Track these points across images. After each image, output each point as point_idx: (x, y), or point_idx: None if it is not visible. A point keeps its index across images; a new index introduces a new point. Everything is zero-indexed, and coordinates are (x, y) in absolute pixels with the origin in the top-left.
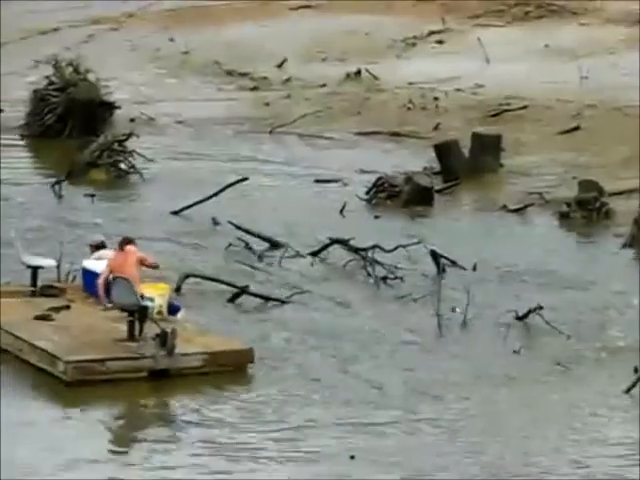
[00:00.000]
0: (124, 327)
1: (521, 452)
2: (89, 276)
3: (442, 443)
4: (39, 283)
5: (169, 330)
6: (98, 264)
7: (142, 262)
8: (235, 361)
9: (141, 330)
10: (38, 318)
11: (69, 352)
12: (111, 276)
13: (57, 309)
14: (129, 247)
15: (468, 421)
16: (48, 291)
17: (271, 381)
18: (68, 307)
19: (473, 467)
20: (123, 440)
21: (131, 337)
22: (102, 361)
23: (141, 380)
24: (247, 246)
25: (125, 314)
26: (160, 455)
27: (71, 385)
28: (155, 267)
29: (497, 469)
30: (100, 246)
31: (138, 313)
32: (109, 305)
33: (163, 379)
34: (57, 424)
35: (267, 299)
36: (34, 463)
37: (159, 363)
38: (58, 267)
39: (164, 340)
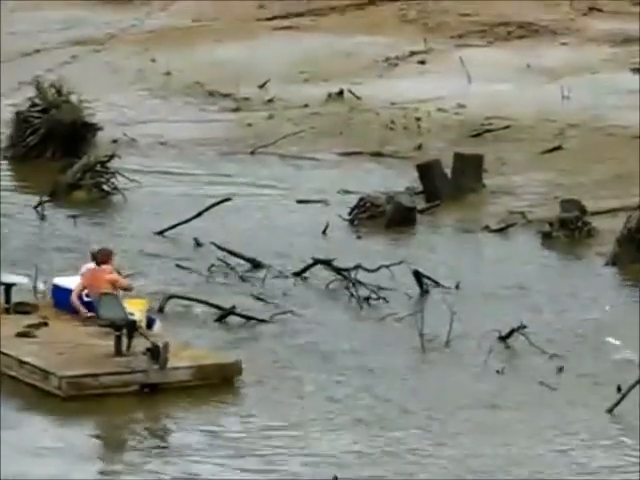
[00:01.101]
0: (107, 342)
1: (502, 472)
2: (60, 293)
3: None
4: (12, 300)
5: (161, 344)
6: (68, 280)
7: (114, 284)
8: (223, 374)
9: (129, 345)
10: (20, 335)
11: (61, 368)
12: (86, 291)
13: (36, 326)
14: (105, 266)
15: (450, 440)
16: (21, 308)
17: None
18: (46, 324)
19: None
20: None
21: (118, 352)
22: (96, 376)
23: (132, 395)
24: (230, 267)
25: (105, 329)
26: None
27: (66, 400)
28: (129, 289)
29: None
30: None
31: (127, 328)
32: (89, 314)
33: (154, 393)
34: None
35: (250, 319)
36: None
37: (150, 377)
38: (35, 286)
39: (156, 354)
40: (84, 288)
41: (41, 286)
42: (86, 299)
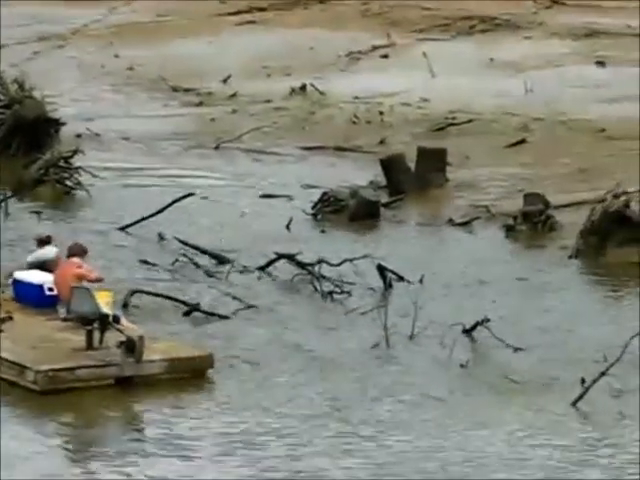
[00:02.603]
0: (77, 337)
1: (462, 465)
2: (20, 286)
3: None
4: None
5: (136, 337)
6: (29, 275)
7: (82, 278)
8: (196, 367)
9: (101, 338)
10: None
11: (36, 362)
12: (48, 286)
13: (1, 320)
14: (74, 259)
15: (412, 434)
16: None
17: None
18: (11, 318)
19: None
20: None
21: (89, 346)
22: (72, 369)
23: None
24: (193, 262)
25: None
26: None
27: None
28: (99, 280)
29: None
30: (46, 241)
31: (99, 321)
32: (65, 315)
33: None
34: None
35: (213, 315)
36: None
37: (125, 370)
38: None
39: (131, 347)
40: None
41: (6, 281)
42: (49, 293)
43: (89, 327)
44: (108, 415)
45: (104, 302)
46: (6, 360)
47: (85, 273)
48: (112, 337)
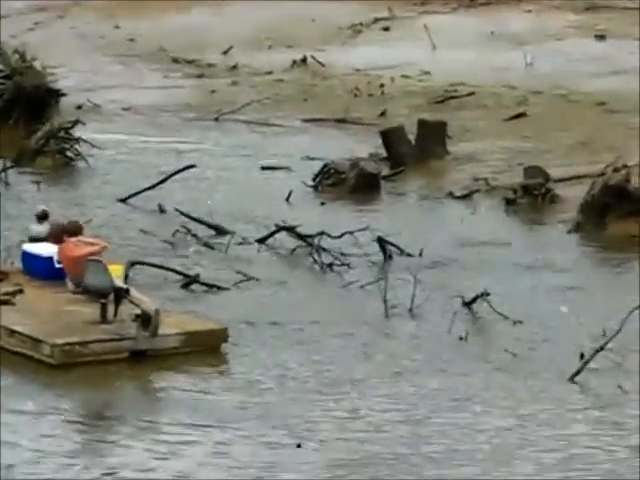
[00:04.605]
0: (89, 309)
1: (453, 443)
2: (29, 259)
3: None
4: None
5: (152, 311)
6: (38, 247)
7: (93, 255)
8: (210, 341)
9: (116, 311)
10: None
11: (51, 335)
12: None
13: (12, 293)
14: (73, 239)
15: (413, 409)
16: None
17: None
18: (22, 291)
19: (413, 457)
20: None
21: (103, 319)
22: (86, 343)
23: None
24: (193, 234)
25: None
26: None
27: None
28: (105, 248)
29: (436, 460)
30: (43, 216)
31: (114, 295)
32: (74, 288)
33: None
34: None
35: (213, 287)
36: None
37: (140, 344)
38: None
39: (146, 321)
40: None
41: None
42: (58, 265)
43: (103, 300)
44: (124, 388)
45: (116, 276)
46: (19, 333)
47: (94, 250)
48: (125, 310)
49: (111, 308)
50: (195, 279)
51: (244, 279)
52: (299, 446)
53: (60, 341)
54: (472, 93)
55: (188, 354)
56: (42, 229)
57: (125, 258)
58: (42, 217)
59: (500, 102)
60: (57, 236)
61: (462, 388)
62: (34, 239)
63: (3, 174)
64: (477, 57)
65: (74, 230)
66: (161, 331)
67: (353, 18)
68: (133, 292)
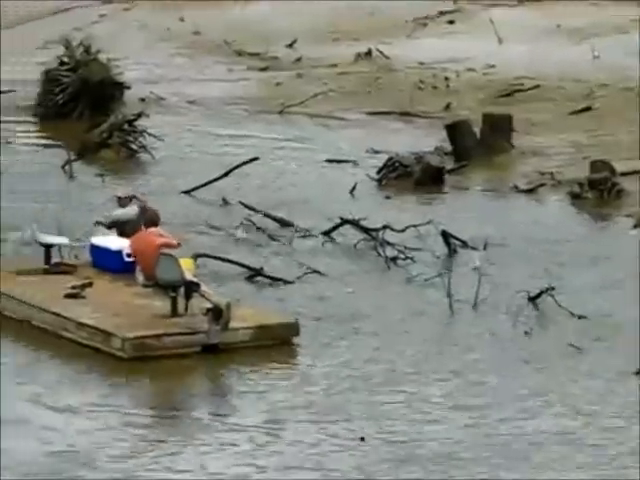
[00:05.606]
0: (159, 303)
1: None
2: (98, 252)
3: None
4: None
5: (224, 305)
6: (107, 240)
7: (167, 247)
8: (282, 334)
9: (187, 306)
10: (69, 296)
11: (122, 329)
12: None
13: (82, 286)
14: (152, 229)
15: (479, 403)
16: (59, 268)
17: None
18: (91, 284)
19: (487, 448)
20: None
21: (174, 313)
22: (158, 337)
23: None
24: (257, 226)
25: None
26: None
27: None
28: (179, 246)
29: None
30: (129, 199)
31: (185, 289)
32: (145, 282)
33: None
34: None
35: (278, 280)
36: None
37: (211, 338)
38: (64, 246)
39: (217, 314)
40: (131, 255)
41: (76, 243)
42: (127, 259)
43: (173, 294)
44: (196, 382)
45: (186, 269)
46: (90, 326)
47: (170, 242)
48: (195, 304)
49: (182, 302)
50: (259, 272)
51: (308, 272)
52: (362, 439)
53: (131, 335)
54: (537, 86)
55: (258, 348)
56: (130, 211)
57: (190, 251)
58: (127, 200)
59: (566, 95)
60: (153, 222)
61: (529, 383)
62: (115, 223)
63: (67, 166)
64: (543, 50)
65: (154, 221)
66: (232, 325)
67: (418, 11)
68: (204, 286)
